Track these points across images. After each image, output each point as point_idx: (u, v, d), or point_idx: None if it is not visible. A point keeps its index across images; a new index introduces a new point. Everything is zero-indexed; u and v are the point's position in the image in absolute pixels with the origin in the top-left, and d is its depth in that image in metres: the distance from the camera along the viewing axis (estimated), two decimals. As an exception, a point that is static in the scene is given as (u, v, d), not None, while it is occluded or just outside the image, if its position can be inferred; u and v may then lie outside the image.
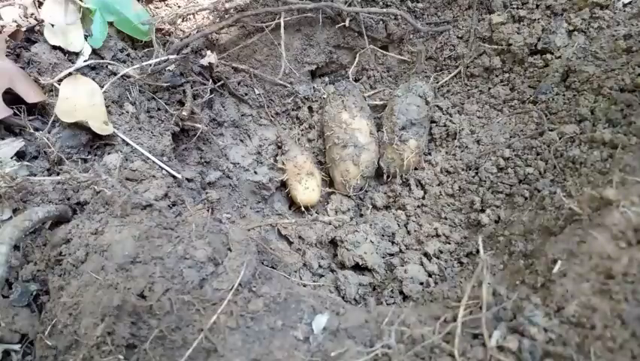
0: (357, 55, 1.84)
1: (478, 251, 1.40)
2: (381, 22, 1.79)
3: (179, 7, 1.64)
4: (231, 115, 1.78)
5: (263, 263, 1.36)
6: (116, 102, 1.42)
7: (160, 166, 1.41)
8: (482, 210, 1.48)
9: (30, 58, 1.33)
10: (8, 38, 1.31)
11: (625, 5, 1.46)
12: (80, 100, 1.33)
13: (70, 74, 1.35)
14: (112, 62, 1.46)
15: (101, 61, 1.44)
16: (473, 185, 1.54)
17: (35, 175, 1.24)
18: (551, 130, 1.43)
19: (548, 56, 1.53)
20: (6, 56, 1.29)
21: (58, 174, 1.25)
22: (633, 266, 0.77)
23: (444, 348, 0.82)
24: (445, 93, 1.77)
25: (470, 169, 1.58)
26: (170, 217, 1.16)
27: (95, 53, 1.45)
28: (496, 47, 1.63)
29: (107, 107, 1.37)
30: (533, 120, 1.51)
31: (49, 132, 1.29)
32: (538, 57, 1.55)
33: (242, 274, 1.02)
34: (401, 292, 1.42)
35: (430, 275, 1.44)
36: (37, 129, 1.29)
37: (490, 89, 1.67)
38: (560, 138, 1.38)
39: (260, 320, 0.96)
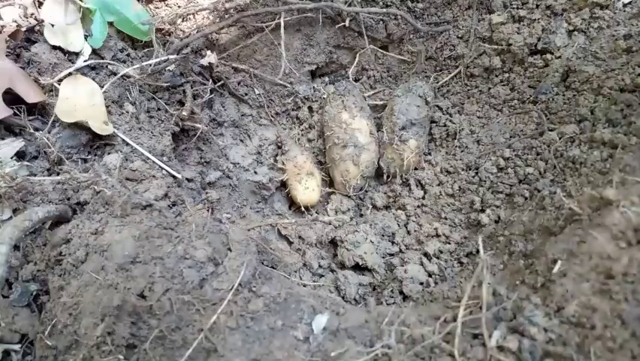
0: (357, 55, 1.84)
1: (478, 251, 1.40)
2: (381, 22, 1.79)
3: (179, 7, 1.64)
4: (231, 115, 1.78)
5: (263, 263, 1.36)
6: (116, 102, 1.42)
7: (160, 166, 1.41)
8: (482, 210, 1.48)
9: (30, 58, 1.33)
10: (8, 38, 1.31)
11: (625, 5, 1.46)
12: (80, 100, 1.33)
13: (70, 74, 1.35)
14: (112, 62, 1.46)
15: (101, 61, 1.44)
16: (473, 185, 1.55)
17: (35, 175, 1.24)
18: (551, 130, 1.43)
19: (548, 56, 1.53)
20: (6, 56, 1.29)
21: (58, 174, 1.25)
22: (633, 266, 0.77)
23: (444, 348, 0.82)
24: (445, 93, 1.77)
25: (470, 169, 1.58)
26: (170, 217, 1.16)
27: (95, 53, 1.45)
28: (496, 46, 1.63)
29: (107, 107, 1.37)
30: (533, 120, 1.51)
31: (49, 132, 1.29)
32: (538, 57, 1.55)
33: (242, 274, 1.02)
34: (401, 292, 1.42)
35: (430, 275, 1.44)
36: (37, 129, 1.29)
37: (490, 89, 1.67)
38: (559, 138, 1.38)
39: (260, 320, 0.96)
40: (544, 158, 1.40)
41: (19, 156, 1.26)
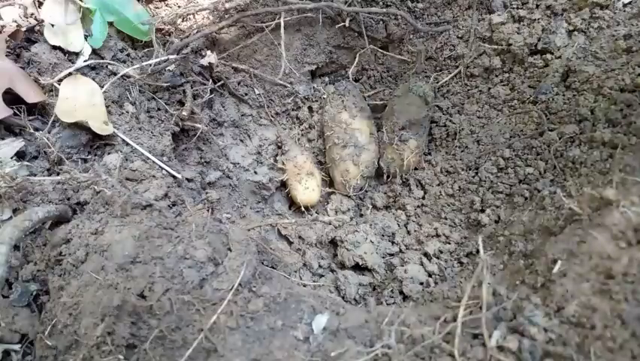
0: (357, 55, 1.84)
1: (478, 251, 1.40)
2: (381, 22, 1.79)
3: (179, 7, 1.64)
4: (231, 115, 1.78)
5: (263, 263, 1.36)
6: (116, 102, 1.42)
7: (160, 166, 1.41)
8: (482, 210, 1.48)
9: (30, 58, 1.33)
10: (8, 38, 1.31)
11: (625, 5, 1.46)
12: (80, 100, 1.33)
13: (70, 74, 1.35)
14: (112, 62, 1.46)
15: (101, 61, 1.44)
16: (473, 185, 1.55)
17: (35, 175, 1.24)
18: (551, 130, 1.43)
19: (548, 56, 1.53)
20: (6, 56, 1.29)
21: (58, 174, 1.25)
22: (633, 266, 0.77)
23: (444, 348, 0.82)
24: (445, 93, 1.77)
25: (470, 169, 1.58)
26: (170, 217, 1.16)
27: (95, 53, 1.45)
28: (496, 46, 1.63)
29: (107, 107, 1.37)
30: (533, 120, 1.50)
31: (49, 132, 1.29)
32: (538, 57, 1.55)
33: (242, 274, 1.02)
34: (401, 292, 1.42)
35: (430, 275, 1.44)
36: (37, 129, 1.29)
37: (490, 89, 1.66)
38: (559, 138, 1.38)
39: (260, 320, 0.96)
40: (544, 158, 1.40)
41: (19, 156, 1.26)
